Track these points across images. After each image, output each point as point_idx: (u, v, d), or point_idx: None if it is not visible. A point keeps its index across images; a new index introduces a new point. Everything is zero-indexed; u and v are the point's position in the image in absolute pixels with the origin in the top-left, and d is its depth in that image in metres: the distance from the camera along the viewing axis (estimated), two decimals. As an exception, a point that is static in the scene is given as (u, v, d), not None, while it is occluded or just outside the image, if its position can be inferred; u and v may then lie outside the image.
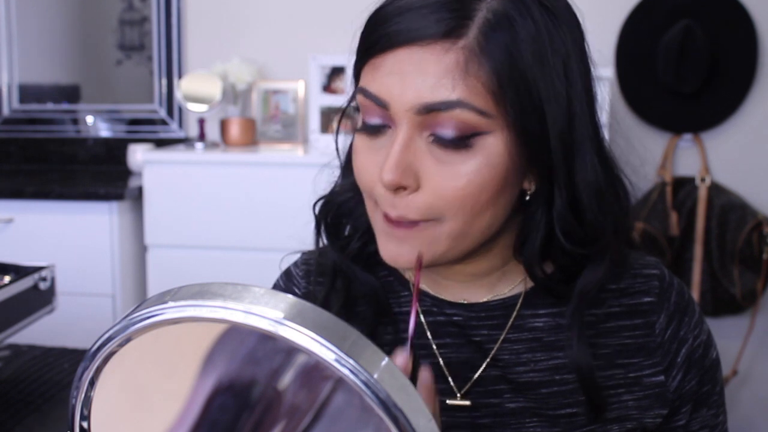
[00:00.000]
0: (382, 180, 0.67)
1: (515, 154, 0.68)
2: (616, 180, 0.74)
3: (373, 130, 0.70)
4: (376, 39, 0.68)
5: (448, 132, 0.66)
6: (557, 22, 0.68)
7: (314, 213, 0.82)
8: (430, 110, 0.65)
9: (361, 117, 0.72)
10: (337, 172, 0.83)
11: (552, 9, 0.68)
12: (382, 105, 0.68)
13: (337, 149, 0.82)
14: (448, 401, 0.76)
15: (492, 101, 0.65)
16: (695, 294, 2.26)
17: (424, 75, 0.65)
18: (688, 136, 2.40)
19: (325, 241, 0.82)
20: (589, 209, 0.70)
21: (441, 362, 0.77)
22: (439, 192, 0.67)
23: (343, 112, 0.80)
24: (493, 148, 0.67)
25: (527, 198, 0.72)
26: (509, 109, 0.66)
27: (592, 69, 0.72)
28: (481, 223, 0.69)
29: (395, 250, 0.70)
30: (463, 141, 0.66)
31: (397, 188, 0.67)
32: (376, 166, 0.69)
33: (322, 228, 0.82)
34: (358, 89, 0.70)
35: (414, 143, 0.67)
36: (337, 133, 0.81)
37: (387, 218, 0.70)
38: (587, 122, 0.70)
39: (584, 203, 0.70)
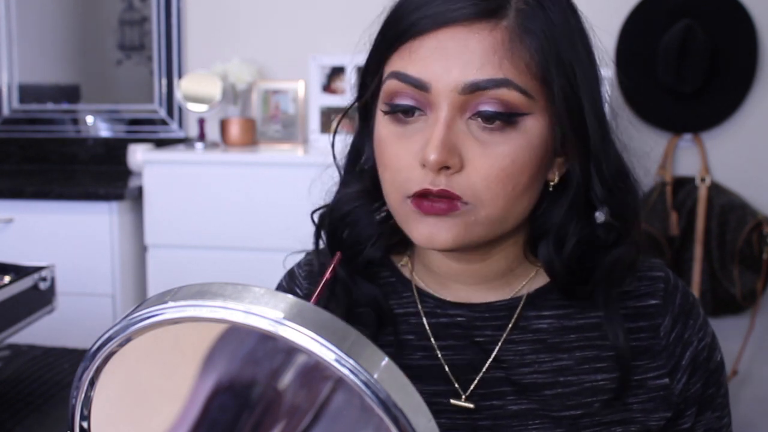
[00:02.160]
0: (427, 159, 0.65)
1: (551, 138, 0.69)
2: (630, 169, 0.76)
3: (404, 114, 0.69)
4: (412, 22, 0.67)
5: (491, 111, 0.66)
6: (576, 16, 0.71)
7: (313, 221, 0.81)
8: (475, 89, 0.65)
9: (383, 102, 0.70)
10: (335, 175, 0.82)
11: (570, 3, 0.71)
12: (421, 87, 0.67)
13: (334, 158, 0.81)
14: (452, 401, 0.75)
15: (535, 82, 0.66)
16: (695, 294, 2.26)
17: (470, 53, 0.65)
18: (688, 136, 2.40)
19: (326, 248, 0.81)
20: (621, 191, 0.72)
21: (444, 364, 0.76)
22: (484, 172, 0.66)
23: (342, 116, 0.79)
24: (533, 130, 0.67)
25: (550, 189, 0.73)
26: (556, 89, 0.66)
27: (596, 61, 0.73)
28: (518, 208, 0.69)
29: (430, 230, 0.69)
30: (505, 121, 0.66)
31: (441, 168, 0.66)
32: (410, 153, 0.68)
33: (323, 237, 0.81)
34: (391, 74, 0.69)
35: (455, 124, 0.67)
36: (333, 138, 0.81)
37: (421, 204, 0.68)
38: (606, 112, 0.72)
39: (616, 185, 0.72)
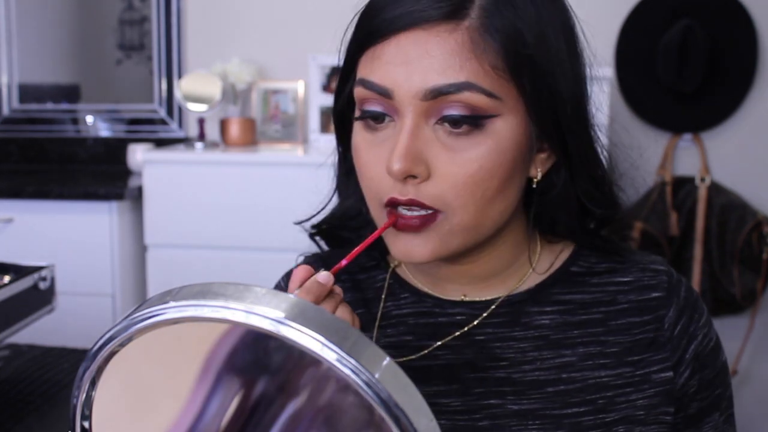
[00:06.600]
0: (391, 169, 0.65)
1: (524, 138, 0.68)
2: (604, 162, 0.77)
3: (373, 120, 0.68)
4: (375, 26, 0.67)
5: (456, 115, 0.65)
6: (557, 11, 0.70)
7: (309, 234, 0.82)
8: (437, 94, 0.64)
9: (357, 108, 0.70)
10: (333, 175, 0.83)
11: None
12: (385, 94, 0.66)
13: (337, 150, 0.81)
14: (451, 403, 0.75)
15: (500, 82, 0.65)
16: (695, 294, 2.26)
17: (430, 58, 0.64)
18: (688, 136, 2.40)
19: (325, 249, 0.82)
20: (606, 179, 0.74)
21: (443, 364, 0.76)
22: (451, 180, 0.66)
23: (337, 118, 0.78)
24: (502, 132, 0.66)
25: (534, 186, 0.72)
26: (524, 86, 0.66)
27: (583, 55, 0.72)
28: (492, 212, 0.68)
29: (406, 246, 0.69)
30: (471, 124, 0.65)
31: (407, 177, 0.66)
32: (380, 162, 0.67)
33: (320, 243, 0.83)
34: (358, 81, 0.69)
35: (421, 131, 0.66)
36: (339, 139, 0.81)
37: (395, 221, 0.68)
38: (588, 104, 0.72)
39: (601, 175, 0.73)
